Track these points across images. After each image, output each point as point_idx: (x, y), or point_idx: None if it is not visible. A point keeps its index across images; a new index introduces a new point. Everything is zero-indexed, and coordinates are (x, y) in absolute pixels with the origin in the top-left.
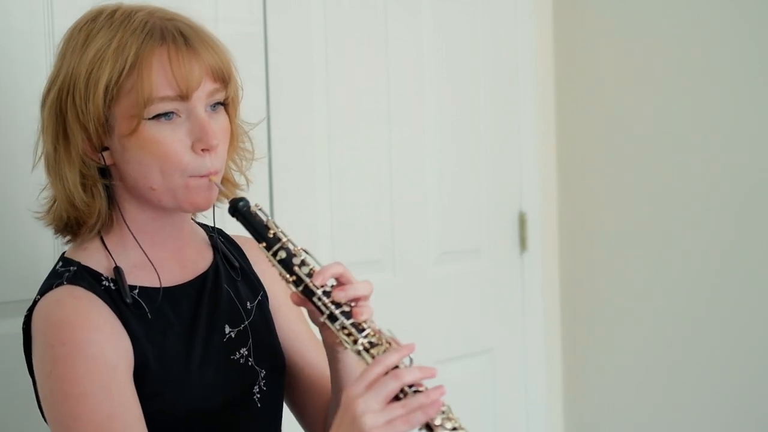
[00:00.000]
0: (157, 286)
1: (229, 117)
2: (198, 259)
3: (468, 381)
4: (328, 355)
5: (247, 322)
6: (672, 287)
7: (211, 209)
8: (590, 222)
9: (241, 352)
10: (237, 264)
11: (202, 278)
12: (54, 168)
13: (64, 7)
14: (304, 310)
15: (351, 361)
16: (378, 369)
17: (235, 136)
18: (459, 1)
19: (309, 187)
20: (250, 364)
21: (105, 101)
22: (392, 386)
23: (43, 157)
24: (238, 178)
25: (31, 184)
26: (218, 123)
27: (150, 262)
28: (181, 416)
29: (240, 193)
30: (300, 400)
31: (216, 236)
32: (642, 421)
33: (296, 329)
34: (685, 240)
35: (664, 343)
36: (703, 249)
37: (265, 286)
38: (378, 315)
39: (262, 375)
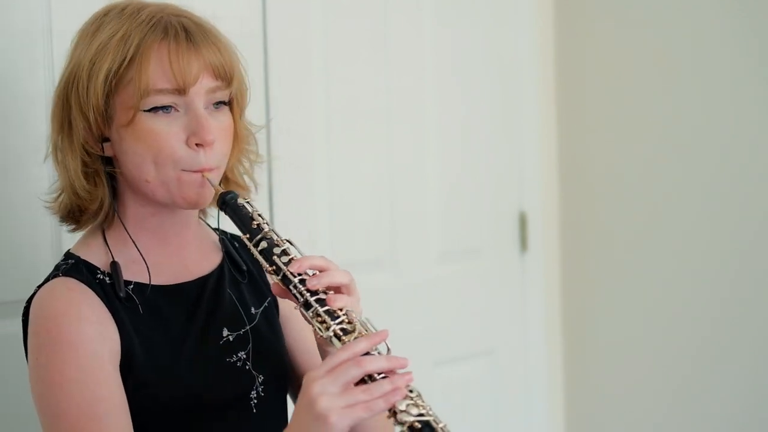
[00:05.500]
0: (153, 283)
1: (233, 117)
2: (202, 261)
3: (468, 382)
4: (321, 355)
5: (248, 327)
6: (674, 287)
7: (216, 212)
8: (591, 222)
9: (239, 355)
10: (245, 267)
11: (203, 280)
12: (58, 156)
13: (63, 7)
14: None
15: None
16: (343, 355)
17: (240, 137)
18: None
19: (308, 187)
20: (247, 368)
21: (104, 91)
22: (353, 372)
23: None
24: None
25: (30, 183)
26: (218, 121)
27: (143, 258)
28: (168, 410)
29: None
30: None
31: (225, 239)
32: (644, 422)
33: (304, 338)
34: (688, 239)
35: (666, 343)
36: (707, 248)
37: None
38: (378, 315)
39: (260, 380)
